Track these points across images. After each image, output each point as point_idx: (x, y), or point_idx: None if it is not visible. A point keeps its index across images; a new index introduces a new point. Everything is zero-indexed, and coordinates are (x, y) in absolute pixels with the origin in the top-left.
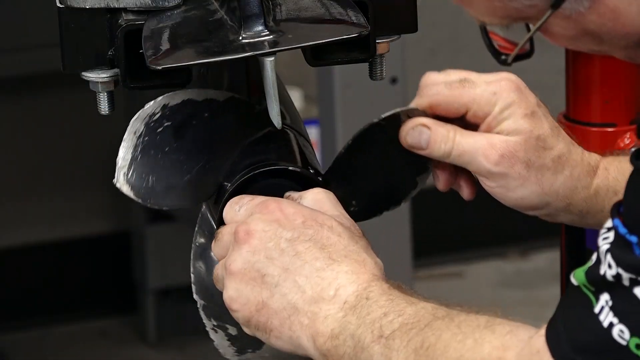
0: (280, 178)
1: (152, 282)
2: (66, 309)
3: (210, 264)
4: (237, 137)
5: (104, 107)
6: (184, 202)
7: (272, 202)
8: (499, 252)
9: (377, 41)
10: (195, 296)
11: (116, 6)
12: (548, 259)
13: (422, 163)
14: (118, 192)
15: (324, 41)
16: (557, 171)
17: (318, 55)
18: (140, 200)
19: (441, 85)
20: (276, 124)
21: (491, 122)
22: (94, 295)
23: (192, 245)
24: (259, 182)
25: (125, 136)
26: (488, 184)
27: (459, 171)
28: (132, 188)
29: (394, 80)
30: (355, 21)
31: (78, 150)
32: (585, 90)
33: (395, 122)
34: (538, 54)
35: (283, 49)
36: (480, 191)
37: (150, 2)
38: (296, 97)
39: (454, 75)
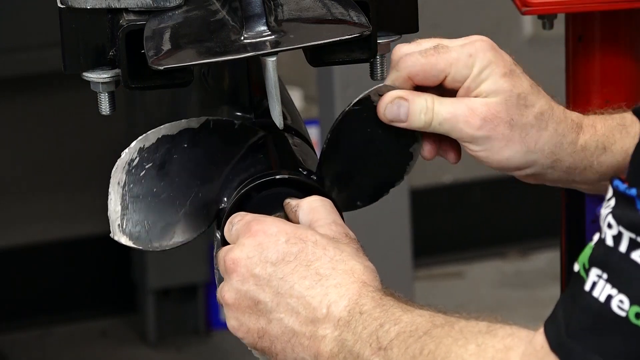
0: (275, 187)
1: (152, 282)
2: (66, 309)
3: None
4: (223, 158)
5: (104, 107)
6: (186, 236)
7: (255, 223)
8: (499, 252)
9: (377, 41)
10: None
11: (117, 6)
12: (548, 259)
13: (410, 134)
14: None
15: (325, 41)
16: (541, 128)
17: (319, 56)
18: (141, 247)
19: (416, 55)
20: (278, 124)
21: (470, 85)
22: (94, 295)
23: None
24: (254, 197)
25: (110, 189)
26: (472, 148)
27: (442, 137)
28: (130, 238)
29: None
30: (356, 21)
31: (78, 150)
32: (585, 90)
33: (369, 103)
34: (538, 54)
35: (285, 49)
36: (480, 191)
37: (151, 2)
38: (296, 97)
39: (426, 43)
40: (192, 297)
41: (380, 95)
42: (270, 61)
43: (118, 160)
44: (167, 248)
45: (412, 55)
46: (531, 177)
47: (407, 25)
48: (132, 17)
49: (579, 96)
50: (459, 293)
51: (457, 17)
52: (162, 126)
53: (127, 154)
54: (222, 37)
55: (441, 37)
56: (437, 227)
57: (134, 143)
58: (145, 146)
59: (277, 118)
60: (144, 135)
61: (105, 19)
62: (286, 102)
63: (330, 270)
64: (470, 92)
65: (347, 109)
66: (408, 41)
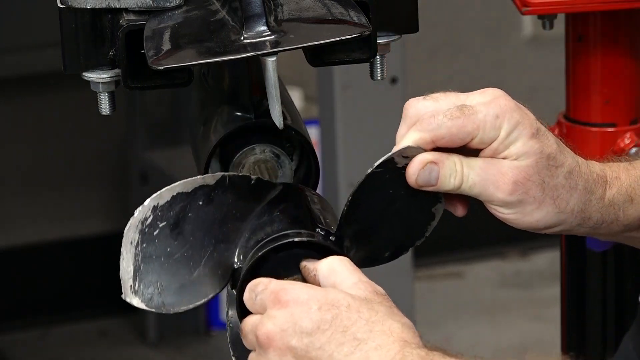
0: (292, 249)
1: None
2: (66, 309)
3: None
4: (239, 215)
5: (104, 107)
6: (200, 297)
7: (283, 293)
8: (499, 252)
9: (378, 41)
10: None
11: (117, 6)
12: (548, 259)
13: (433, 195)
14: (118, 192)
15: (325, 41)
16: (572, 187)
17: (319, 56)
18: (154, 310)
19: (440, 117)
20: (278, 124)
21: (498, 147)
22: (94, 295)
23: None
24: (270, 258)
25: (122, 248)
26: (502, 212)
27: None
28: (142, 300)
29: (394, 80)
30: (356, 21)
31: (78, 150)
32: (585, 90)
33: (392, 165)
34: (538, 54)
35: (285, 49)
36: None
37: (151, 2)
38: (296, 97)
39: (444, 101)
40: None
41: (405, 157)
42: (270, 61)
43: (131, 218)
44: (181, 311)
45: (436, 117)
46: (559, 232)
47: (407, 25)
48: (132, 17)
49: (579, 96)
50: (459, 293)
51: (457, 17)
52: (176, 183)
53: (140, 213)
54: (222, 37)
55: (442, 38)
56: (437, 227)
57: (147, 201)
58: (159, 204)
59: (277, 118)
60: (157, 193)
61: (105, 19)
62: (286, 102)
63: (368, 333)
64: (498, 153)
65: (370, 171)
66: (408, 41)
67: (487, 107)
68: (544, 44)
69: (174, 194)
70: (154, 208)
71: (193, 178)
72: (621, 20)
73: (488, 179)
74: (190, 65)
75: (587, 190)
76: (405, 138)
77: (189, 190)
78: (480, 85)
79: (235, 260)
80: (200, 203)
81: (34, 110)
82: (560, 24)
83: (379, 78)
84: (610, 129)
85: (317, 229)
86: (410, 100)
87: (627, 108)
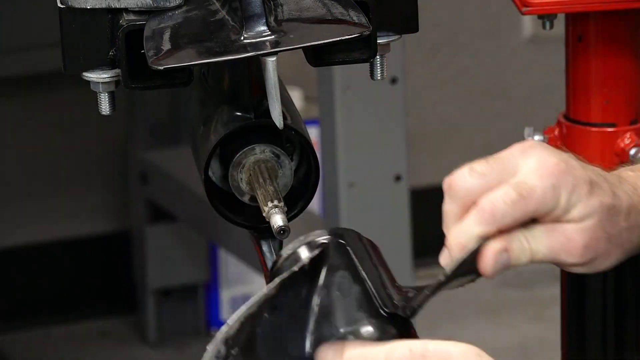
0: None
1: (152, 282)
2: (66, 309)
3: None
4: (302, 305)
5: (104, 107)
6: None
7: None
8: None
9: (378, 41)
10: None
11: (117, 6)
12: None
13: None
14: (118, 192)
15: (325, 41)
16: (631, 226)
17: (319, 56)
18: None
19: (501, 205)
20: (278, 124)
21: (560, 215)
22: (94, 295)
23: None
24: None
25: None
26: (572, 270)
27: None
28: None
29: (394, 80)
30: (356, 21)
31: (78, 150)
32: (585, 90)
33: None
34: (538, 54)
35: (285, 49)
36: None
37: (151, 2)
38: (296, 97)
39: (490, 175)
40: (192, 297)
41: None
42: (270, 61)
43: (205, 354)
44: None
45: (496, 205)
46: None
47: (407, 25)
48: (132, 17)
49: (578, 96)
50: (459, 293)
51: (457, 17)
52: (241, 308)
53: (213, 348)
54: (222, 37)
55: (442, 38)
56: (437, 227)
57: (218, 335)
58: (230, 334)
59: (277, 118)
60: (226, 325)
61: (105, 19)
62: (286, 102)
63: None
64: (560, 219)
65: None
66: (408, 41)
67: (541, 180)
68: (544, 44)
69: (242, 320)
70: (226, 341)
71: (257, 296)
72: (621, 20)
73: (557, 247)
74: (190, 65)
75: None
76: (470, 233)
77: (255, 310)
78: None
79: (308, 349)
80: (267, 315)
81: (34, 110)
82: (560, 24)
83: (379, 78)
84: (610, 129)
85: (382, 311)
86: (454, 176)
87: (627, 108)
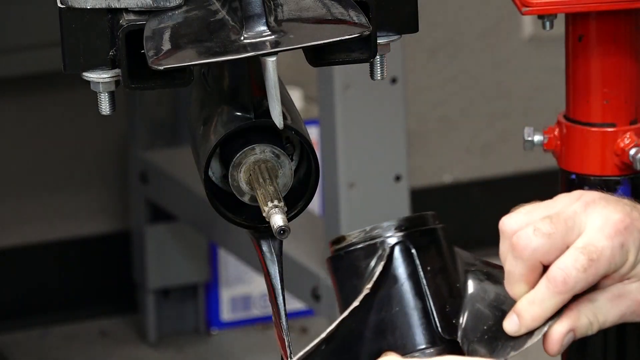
0: None
1: (152, 282)
2: (66, 309)
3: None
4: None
5: (105, 107)
6: None
7: None
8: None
9: (378, 41)
10: None
11: (117, 6)
12: None
13: None
14: (118, 192)
15: (325, 41)
16: None
17: (319, 56)
18: None
19: (573, 273)
20: (278, 124)
21: (626, 273)
22: (94, 295)
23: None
24: None
25: None
26: None
27: None
28: None
29: (394, 80)
30: (356, 21)
31: (78, 150)
32: (585, 90)
33: None
34: (538, 54)
35: (285, 49)
36: (480, 191)
37: (151, 2)
38: (296, 97)
39: (557, 233)
40: (192, 297)
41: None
42: (270, 61)
43: None
44: None
45: (570, 274)
46: None
47: (407, 25)
48: (132, 17)
49: (579, 96)
50: None
51: (457, 17)
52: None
53: None
54: (222, 37)
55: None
56: None
57: None
58: None
59: (277, 118)
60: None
61: (105, 19)
62: (286, 102)
63: None
64: (626, 277)
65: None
66: (408, 41)
67: (610, 240)
68: (544, 44)
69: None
70: None
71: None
72: (621, 20)
73: (626, 313)
74: (190, 65)
75: None
76: (545, 305)
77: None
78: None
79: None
80: (323, 347)
81: (34, 110)
82: (560, 24)
83: (379, 78)
84: (610, 129)
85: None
86: (519, 236)
87: (627, 108)
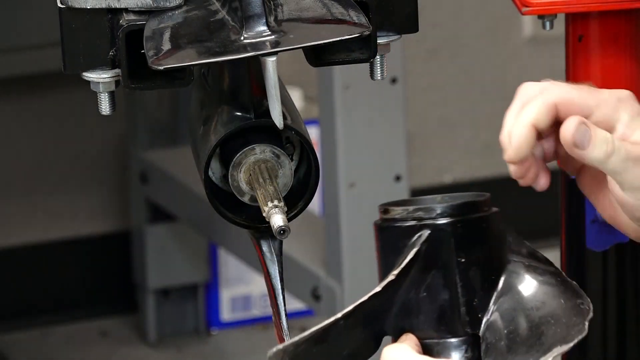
0: None
1: (152, 282)
2: (66, 309)
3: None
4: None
5: (104, 107)
6: None
7: None
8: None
9: (378, 41)
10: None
11: (117, 6)
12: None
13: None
14: (118, 192)
15: (325, 41)
16: None
17: (319, 56)
18: None
19: (565, 86)
20: (278, 124)
21: (625, 132)
22: (94, 295)
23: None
24: None
25: None
26: (632, 200)
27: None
28: None
29: (394, 80)
30: (356, 21)
31: (78, 150)
32: None
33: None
34: (538, 54)
35: (285, 49)
36: (480, 191)
37: (151, 2)
38: (296, 97)
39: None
40: (192, 297)
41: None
42: (270, 61)
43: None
44: None
45: (561, 86)
46: None
47: (407, 25)
48: (132, 17)
49: None
50: None
51: (457, 17)
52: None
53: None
54: (222, 37)
55: (442, 38)
56: None
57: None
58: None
59: (277, 118)
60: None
61: (105, 19)
62: (286, 102)
63: None
64: (627, 138)
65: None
66: (408, 41)
67: (611, 92)
68: (544, 44)
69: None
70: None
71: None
72: (621, 20)
73: (633, 157)
74: (190, 65)
75: None
76: (530, 104)
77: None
78: (480, 86)
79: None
80: (342, 322)
81: (34, 110)
82: (560, 24)
83: (379, 78)
84: None
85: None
86: (524, 84)
87: None
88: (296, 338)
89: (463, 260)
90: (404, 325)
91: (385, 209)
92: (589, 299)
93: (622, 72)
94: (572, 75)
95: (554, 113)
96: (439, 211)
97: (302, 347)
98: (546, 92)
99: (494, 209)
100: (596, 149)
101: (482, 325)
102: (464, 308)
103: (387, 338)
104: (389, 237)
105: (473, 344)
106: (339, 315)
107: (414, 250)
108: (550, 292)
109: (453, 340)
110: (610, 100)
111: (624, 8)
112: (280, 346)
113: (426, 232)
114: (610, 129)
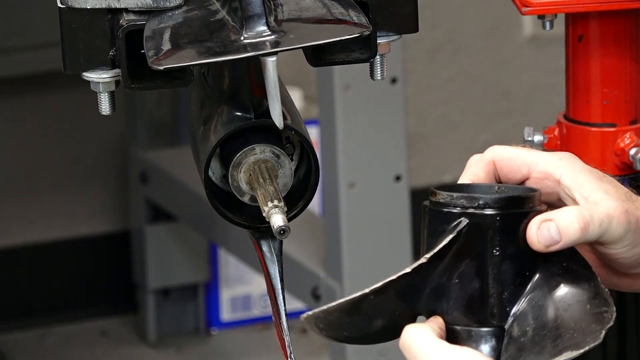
0: None
1: (152, 282)
2: (66, 309)
3: None
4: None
5: (104, 107)
6: None
7: None
8: None
9: (378, 41)
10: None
11: (117, 6)
12: None
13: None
14: (118, 192)
15: (325, 41)
16: None
17: (319, 56)
18: None
19: (506, 147)
20: (278, 124)
21: (581, 195)
22: (94, 295)
23: None
24: None
25: None
26: (616, 250)
27: None
28: None
29: (394, 80)
30: (356, 21)
31: (78, 150)
32: (585, 90)
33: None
34: (538, 54)
35: (285, 49)
36: None
37: (151, 2)
38: (296, 97)
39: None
40: (192, 297)
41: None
42: (270, 61)
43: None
44: None
45: (502, 146)
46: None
47: (407, 25)
48: (132, 17)
49: (579, 96)
50: None
51: (457, 17)
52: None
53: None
54: (222, 37)
55: (442, 38)
56: None
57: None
58: (331, 306)
59: (277, 118)
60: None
61: (105, 19)
62: (286, 102)
63: None
64: (587, 199)
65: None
66: (408, 41)
67: (551, 154)
68: (544, 44)
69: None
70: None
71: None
72: (621, 20)
73: (611, 213)
74: (190, 65)
75: None
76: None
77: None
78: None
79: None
80: (372, 297)
81: (34, 110)
82: (560, 24)
83: (379, 78)
84: (610, 129)
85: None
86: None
87: (627, 108)
88: (326, 307)
89: (498, 253)
90: (435, 307)
91: (432, 191)
92: (614, 308)
93: (622, 72)
94: (572, 75)
95: (491, 168)
96: (481, 202)
97: (335, 315)
98: (486, 152)
99: (540, 207)
100: (570, 234)
101: (509, 319)
102: (493, 300)
103: (422, 317)
104: (432, 220)
105: (498, 336)
106: (367, 290)
107: (450, 237)
108: (579, 296)
109: (480, 329)
110: (550, 159)
111: (624, 8)
112: (311, 312)
113: (465, 221)
114: (554, 182)
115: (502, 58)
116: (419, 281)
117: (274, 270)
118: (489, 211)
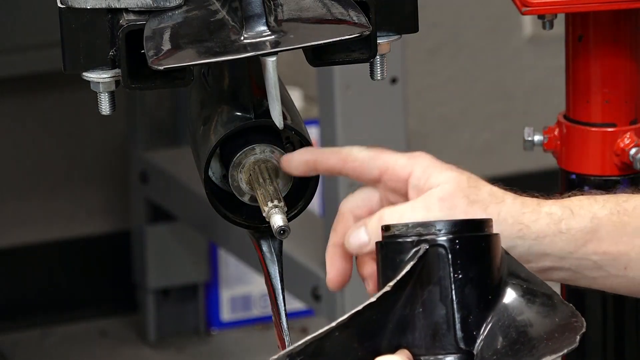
0: None
1: (152, 282)
2: (66, 309)
3: None
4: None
5: (104, 107)
6: None
7: None
8: None
9: (378, 41)
10: None
11: (117, 6)
12: None
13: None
14: (118, 192)
15: (325, 41)
16: (499, 201)
17: (319, 56)
18: None
19: (355, 147)
20: (278, 124)
21: (418, 184)
22: (94, 295)
23: None
24: None
25: None
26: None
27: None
28: None
29: (394, 80)
30: (356, 21)
31: (78, 150)
32: (585, 90)
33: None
34: (538, 54)
35: (285, 49)
36: None
37: (151, 2)
38: (296, 97)
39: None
40: (192, 297)
41: None
42: (270, 61)
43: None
44: None
45: (352, 147)
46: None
47: (407, 25)
48: (132, 17)
49: (579, 96)
50: None
51: (456, 17)
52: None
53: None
54: (222, 37)
55: (442, 38)
56: None
57: (283, 352)
58: (296, 349)
59: (277, 118)
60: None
61: (105, 19)
62: (286, 102)
63: None
64: (422, 190)
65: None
66: (408, 41)
67: (402, 154)
68: (544, 44)
69: (310, 339)
70: (290, 355)
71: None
72: (621, 20)
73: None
74: (190, 65)
75: (517, 202)
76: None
77: (327, 332)
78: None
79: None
80: (337, 333)
81: (34, 110)
82: (560, 24)
83: (379, 78)
84: (610, 129)
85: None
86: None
87: (627, 108)
88: (290, 348)
89: (460, 276)
90: (400, 342)
91: (386, 226)
92: (583, 319)
93: (622, 72)
94: (572, 75)
95: (349, 217)
96: (437, 227)
97: (299, 359)
98: (337, 155)
99: (494, 232)
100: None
101: (477, 343)
102: (460, 325)
103: None
104: (388, 253)
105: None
106: (334, 324)
107: (411, 263)
108: (546, 312)
109: (447, 357)
110: (400, 160)
111: (623, 8)
112: (275, 356)
113: (424, 247)
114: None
115: (502, 58)
116: (382, 316)
117: (274, 270)
118: (447, 236)
